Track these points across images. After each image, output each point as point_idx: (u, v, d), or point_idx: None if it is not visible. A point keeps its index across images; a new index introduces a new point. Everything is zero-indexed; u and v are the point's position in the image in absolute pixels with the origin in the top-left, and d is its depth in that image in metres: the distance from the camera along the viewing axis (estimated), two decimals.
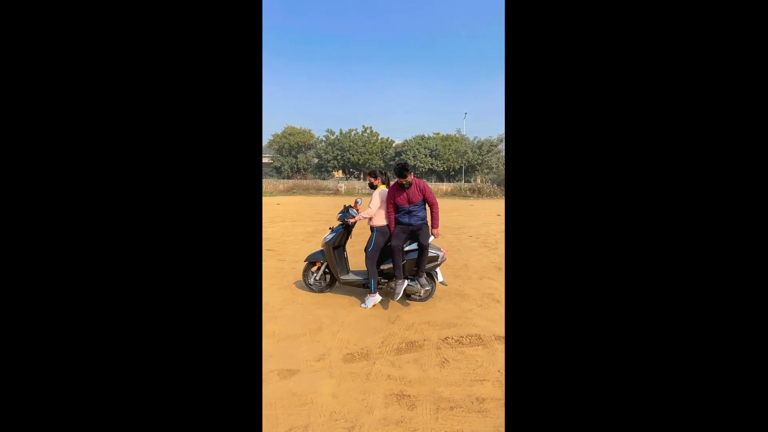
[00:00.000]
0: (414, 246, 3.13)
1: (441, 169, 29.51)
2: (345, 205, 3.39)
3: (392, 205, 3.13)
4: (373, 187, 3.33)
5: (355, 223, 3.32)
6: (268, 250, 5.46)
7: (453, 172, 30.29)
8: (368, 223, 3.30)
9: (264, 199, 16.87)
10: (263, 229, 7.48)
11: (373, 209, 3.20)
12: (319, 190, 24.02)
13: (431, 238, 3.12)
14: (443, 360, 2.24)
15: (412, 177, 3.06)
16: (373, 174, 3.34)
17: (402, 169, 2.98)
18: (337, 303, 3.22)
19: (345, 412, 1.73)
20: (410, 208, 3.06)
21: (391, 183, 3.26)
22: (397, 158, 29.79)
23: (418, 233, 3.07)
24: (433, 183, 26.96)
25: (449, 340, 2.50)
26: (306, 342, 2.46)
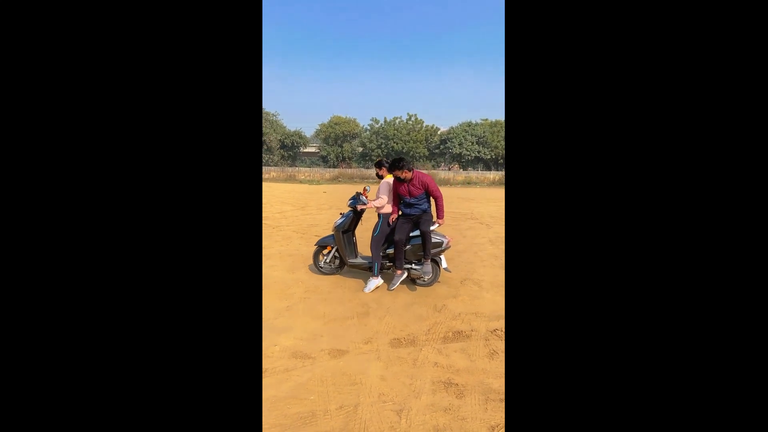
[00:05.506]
0: (417, 233, 3.26)
1: (489, 157, 28.40)
2: (357, 192, 3.51)
3: (396, 196, 3.28)
4: (380, 177, 3.47)
5: (364, 209, 3.43)
6: (316, 236, 5.67)
7: (502, 160, 28.97)
8: (376, 211, 3.42)
9: (311, 187, 17.50)
10: (312, 216, 7.78)
11: (383, 199, 3.33)
12: (363, 179, 24.34)
13: (434, 226, 3.23)
14: (492, 351, 2.18)
15: (412, 173, 3.13)
16: (379, 165, 3.51)
17: (393, 165, 3.11)
18: (383, 289, 3.27)
19: (393, 394, 1.76)
20: (411, 201, 3.18)
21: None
22: (441, 146, 29.16)
23: (419, 221, 3.20)
24: (479, 171, 26.04)
25: (498, 333, 2.43)
26: (354, 325, 2.54)
